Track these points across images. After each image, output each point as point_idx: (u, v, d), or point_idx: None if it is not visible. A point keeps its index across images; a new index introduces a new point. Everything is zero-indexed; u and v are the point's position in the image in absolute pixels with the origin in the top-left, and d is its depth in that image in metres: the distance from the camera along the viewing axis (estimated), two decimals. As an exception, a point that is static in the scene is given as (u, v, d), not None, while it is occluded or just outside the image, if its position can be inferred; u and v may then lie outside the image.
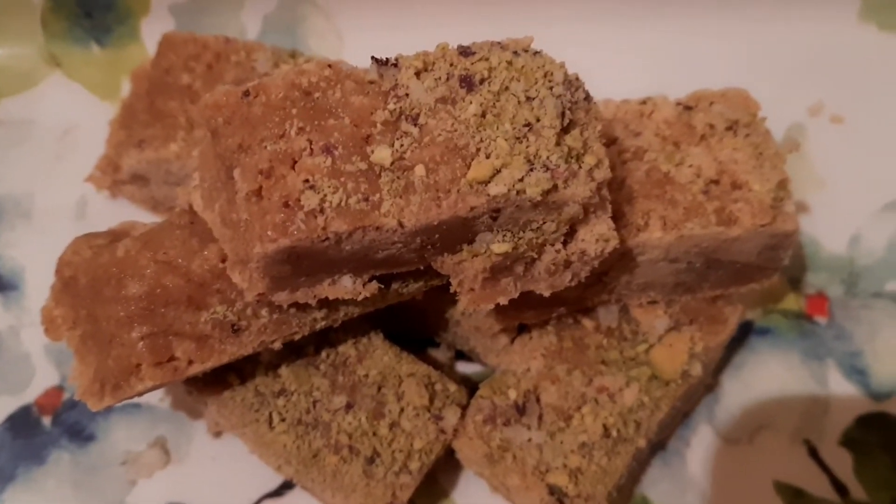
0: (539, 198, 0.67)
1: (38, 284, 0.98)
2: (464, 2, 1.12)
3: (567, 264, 0.74)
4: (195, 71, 0.97)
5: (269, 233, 0.65)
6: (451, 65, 0.70)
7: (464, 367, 0.99)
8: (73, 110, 1.11)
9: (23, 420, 0.95)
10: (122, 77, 1.11)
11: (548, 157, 0.67)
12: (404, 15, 1.12)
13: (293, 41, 1.13)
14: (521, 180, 0.66)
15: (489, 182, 0.66)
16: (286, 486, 0.91)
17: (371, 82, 0.70)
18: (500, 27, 0.99)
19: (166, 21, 1.12)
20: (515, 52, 0.71)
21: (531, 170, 0.67)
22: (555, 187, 0.67)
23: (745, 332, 0.99)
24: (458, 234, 0.70)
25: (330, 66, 0.70)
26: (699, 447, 0.94)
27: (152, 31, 1.11)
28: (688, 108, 0.86)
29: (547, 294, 0.76)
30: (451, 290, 0.75)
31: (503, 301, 0.75)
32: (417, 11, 1.11)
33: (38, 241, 1.04)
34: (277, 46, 1.00)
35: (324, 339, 0.86)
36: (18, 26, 1.11)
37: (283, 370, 0.85)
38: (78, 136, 1.10)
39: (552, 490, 0.81)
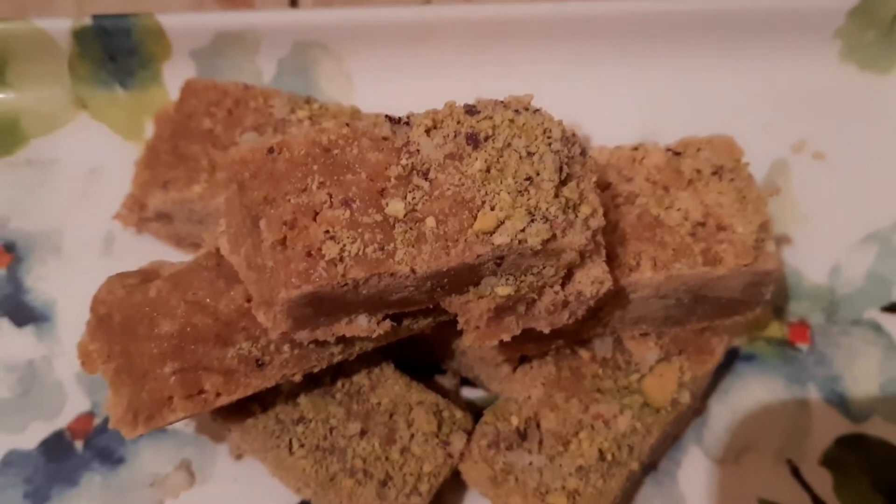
0: (539, 246, 0.71)
1: (69, 316, 1.04)
2: (465, 47, 1.16)
3: (565, 304, 0.78)
4: (216, 116, 1.01)
5: (293, 280, 0.69)
6: (458, 122, 0.75)
7: (469, 393, 1.02)
8: (98, 150, 1.14)
9: (56, 444, 0.98)
10: (144, 118, 1.15)
11: (547, 209, 0.72)
12: (410, 59, 1.16)
13: (306, 83, 1.17)
14: (522, 230, 0.71)
15: (494, 232, 0.71)
16: None
17: (385, 139, 0.74)
18: (499, 74, 1.06)
19: (187, 64, 1.16)
20: (517, 111, 0.76)
21: (532, 221, 0.71)
22: (554, 236, 0.72)
23: (731, 359, 1.03)
24: (465, 278, 0.74)
25: (348, 124, 0.75)
26: (689, 467, 0.98)
27: (174, 74, 1.15)
28: (676, 153, 0.91)
29: (547, 331, 0.81)
30: (459, 328, 0.80)
31: (506, 338, 0.79)
32: (422, 56, 1.15)
33: (67, 274, 1.07)
34: (293, 93, 1.04)
35: (339, 370, 0.91)
36: (46, 70, 1.15)
37: (302, 399, 0.89)
38: (103, 174, 1.13)
39: None
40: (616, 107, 1.12)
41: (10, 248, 1.09)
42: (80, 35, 1.13)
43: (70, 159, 1.15)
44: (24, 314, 1.06)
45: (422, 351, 0.97)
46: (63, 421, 1.00)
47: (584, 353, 0.93)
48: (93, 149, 1.15)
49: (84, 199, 1.12)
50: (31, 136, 1.16)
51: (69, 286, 1.06)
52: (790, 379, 1.03)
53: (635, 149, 0.92)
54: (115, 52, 1.15)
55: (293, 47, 1.17)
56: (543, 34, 1.17)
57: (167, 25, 1.14)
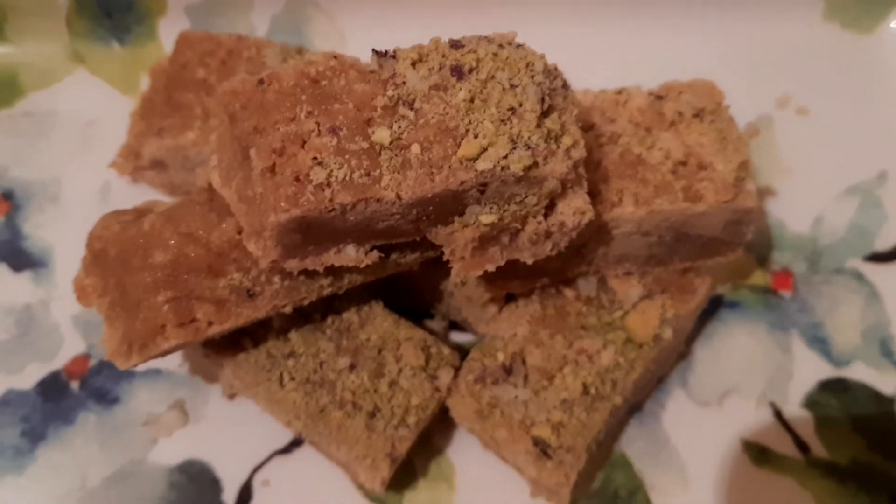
0: (521, 173, 0.73)
1: (66, 262, 1.07)
2: (455, 5, 1.18)
3: (548, 235, 0.80)
4: (210, 66, 1.03)
5: (282, 204, 0.71)
6: (444, 56, 0.77)
7: (457, 337, 1.04)
8: (95, 103, 1.17)
9: (53, 385, 1.01)
10: (140, 73, 1.18)
11: (529, 138, 0.74)
12: (401, 16, 1.18)
13: (299, 40, 1.19)
14: (505, 157, 0.73)
15: (477, 159, 0.73)
16: (294, 444, 0.98)
17: (372, 72, 0.76)
18: (487, 27, 1.07)
19: (182, 21, 1.18)
20: (501, 45, 0.78)
21: (514, 148, 0.73)
22: (535, 164, 0.73)
23: (715, 306, 1.05)
24: (449, 206, 0.76)
25: (336, 57, 0.77)
26: (673, 409, 1.01)
27: (169, 30, 1.17)
28: (659, 97, 0.92)
29: (530, 262, 0.82)
30: (444, 259, 0.81)
31: (491, 268, 0.81)
32: (413, 13, 1.18)
33: (64, 222, 1.10)
34: (286, 43, 1.06)
35: (329, 307, 0.93)
36: (45, 26, 1.18)
37: (293, 334, 0.91)
38: (100, 127, 1.16)
39: (536, 442, 0.87)
40: (599, 64, 1.13)
41: (8, 196, 1.12)
42: (78, -9, 1.16)
43: (68, 112, 1.17)
44: (22, 260, 1.08)
45: (411, 294, 0.99)
46: (59, 362, 1.03)
47: (568, 292, 0.95)
48: (90, 102, 1.18)
49: (81, 150, 1.15)
50: (30, 89, 1.19)
51: (66, 233, 1.09)
52: (773, 325, 1.05)
53: (619, 92, 0.94)
54: (111, 8, 1.18)
55: (286, 4, 1.19)
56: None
57: (162, -19, 1.17)
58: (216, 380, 1.01)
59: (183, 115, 1.01)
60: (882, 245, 1.10)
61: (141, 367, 1.00)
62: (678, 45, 1.18)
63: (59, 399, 1.00)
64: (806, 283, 1.08)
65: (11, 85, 1.18)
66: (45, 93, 1.19)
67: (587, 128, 0.90)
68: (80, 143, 1.15)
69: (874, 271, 1.08)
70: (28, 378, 1.02)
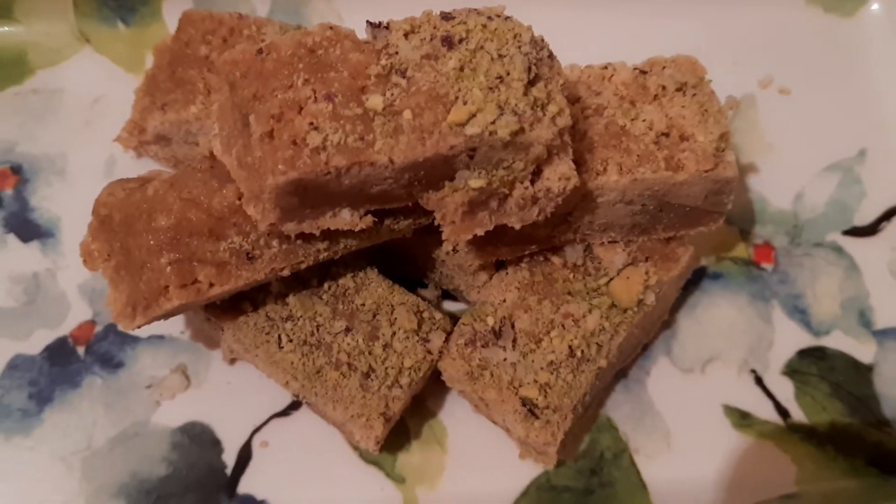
0: (508, 138, 0.76)
1: (72, 232, 1.10)
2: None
3: (534, 200, 0.83)
4: (212, 43, 1.06)
5: (279, 166, 0.74)
6: (434, 27, 0.80)
7: (449, 306, 1.08)
8: (101, 81, 1.20)
9: (60, 350, 1.04)
10: (145, 52, 1.20)
11: (516, 105, 0.76)
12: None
13: (298, 21, 1.22)
14: (493, 123, 0.75)
15: (466, 124, 0.75)
16: (292, 407, 1.01)
17: (366, 42, 0.79)
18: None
19: (185, 2, 1.21)
20: (490, 17, 0.81)
21: (501, 114, 0.76)
22: (522, 129, 0.76)
23: (699, 277, 1.09)
24: (440, 170, 0.79)
25: (331, 27, 0.80)
26: (658, 376, 1.04)
27: (173, 11, 1.21)
28: (643, 72, 0.95)
29: (518, 227, 0.84)
30: (436, 224, 0.84)
31: (480, 232, 0.84)
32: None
33: (71, 194, 1.13)
34: (285, 22, 1.10)
35: (326, 273, 0.96)
36: (52, 7, 1.21)
37: (291, 299, 0.94)
38: (105, 104, 1.19)
39: (524, 402, 0.89)
40: (588, 45, 1.14)
41: (16, 170, 1.15)
42: (83, -27, 1.19)
43: (74, 89, 1.20)
44: (30, 230, 1.11)
45: (404, 263, 1.02)
46: (66, 328, 1.06)
47: (556, 260, 0.97)
48: (96, 80, 1.21)
49: (87, 126, 1.18)
50: (38, 67, 1.22)
51: (72, 205, 1.12)
52: (755, 296, 1.09)
53: (604, 67, 0.96)
54: (117, -11, 1.21)
55: (286, -15, 1.23)
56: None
57: (167, -37, 1.20)
58: (217, 345, 1.04)
59: (186, 91, 1.04)
60: (861, 220, 1.13)
61: (144, 333, 1.03)
62: (664, 28, 1.20)
63: (66, 363, 1.03)
64: (787, 256, 1.11)
65: (20, 63, 1.22)
66: (52, 71, 1.22)
67: (573, 100, 0.92)
68: (86, 119, 1.18)
69: (853, 245, 1.12)
70: (36, 343, 1.05)
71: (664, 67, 0.96)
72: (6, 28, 1.23)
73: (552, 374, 0.91)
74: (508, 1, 1.13)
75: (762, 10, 1.25)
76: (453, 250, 0.97)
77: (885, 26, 1.24)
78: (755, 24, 1.25)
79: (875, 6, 1.25)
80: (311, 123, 0.75)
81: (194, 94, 1.04)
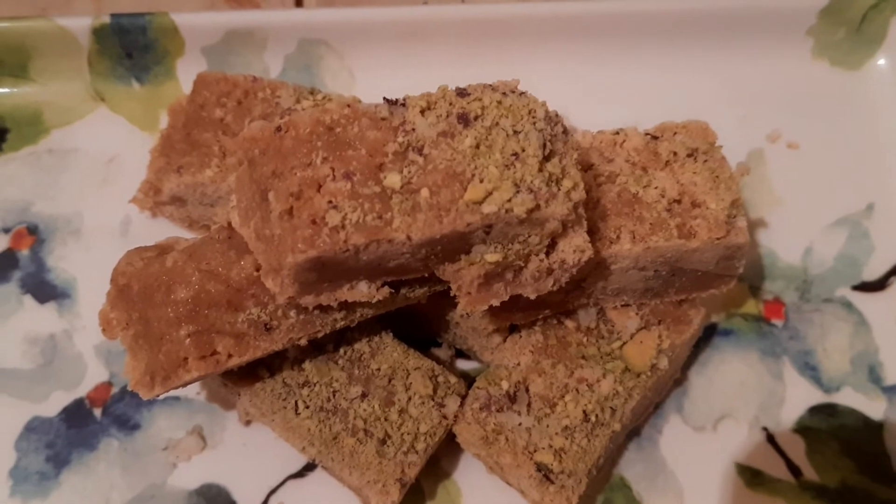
0: (524, 215, 0.77)
1: (89, 293, 1.10)
2: (459, 45, 1.23)
3: (549, 271, 0.84)
4: (226, 106, 1.07)
5: (299, 245, 0.74)
6: (451, 104, 0.81)
7: (463, 364, 1.08)
8: (116, 140, 1.21)
9: (76, 412, 1.04)
10: (159, 111, 1.22)
11: (532, 182, 0.78)
12: (408, 56, 1.23)
13: (310, 78, 1.24)
14: (509, 200, 0.76)
15: (483, 202, 0.76)
16: (308, 468, 1.01)
17: (383, 119, 0.80)
18: (490, 68, 1.12)
19: (199, 61, 1.22)
20: (504, 93, 0.82)
21: (518, 192, 0.77)
22: (538, 206, 0.77)
23: (709, 334, 1.09)
24: (456, 245, 0.80)
25: (349, 105, 0.81)
26: (670, 434, 1.04)
27: (187, 70, 1.22)
28: (654, 137, 0.96)
29: (533, 297, 0.85)
30: (452, 295, 0.85)
31: (495, 303, 0.84)
32: (419, 53, 1.22)
33: (87, 255, 1.13)
34: (298, 84, 1.10)
35: (342, 338, 0.96)
36: (67, 66, 1.22)
37: (307, 364, 0.95)
38: (120, 163, 1.19)
39: (539, 467, 0.90)
40: (599, 104, 1.17)
41: (33, 230, 1.16)
42: (99, 32, 1.20)
43: (89, 148, 1.21)
44: (46, 291, 1.12)
45: (419, 323, 1.03)
46: (83, 390, 1.06)
47: (569, 323, 0.98)
48: (111, 139, 1.21)
49: (103, 185, 1.19)
50: (53, 126, 1.23)
51: (88, 266, 1.13)
52: (765, 352, 1.09)
53: (616, 133, 0.97)
54: (131, 48, 1.22)
55: (298, 44, 1.23)
56: (533, 33, 1.24)
57: (181, 24, 1.21)
58: (233, 406, 1.05)
59: (201, 153, 1.05)
60: (870, 275, 1.14)
61: (161, 395, 1.03)
62: (674, 85, 1.21)
63: (83, 425, 1.04)
64: (797, 312, 1.11)
65: (36, 122, 1.23)
66: (67, 130, 1.22)
67: (586, 167, 0.94)
68: (102, 179, 1.19)
69: (862, 300, 1.12)
70: (52, 406, 1.05)
71: (675, 133, 0.98)
72: (21, 87, 1.24)
73: (567, 438, 0.92)
74: (519, 60, 1.16)
75: (770, 64, 1.26)
76: (467, 314, 0.98)
77: (892, 80, 1.25)
78: (763, 78, 1.26)
79: (882, 61, 1.26)
80: (330, 202, 0.76)
81: (210, 156, 1.05)
